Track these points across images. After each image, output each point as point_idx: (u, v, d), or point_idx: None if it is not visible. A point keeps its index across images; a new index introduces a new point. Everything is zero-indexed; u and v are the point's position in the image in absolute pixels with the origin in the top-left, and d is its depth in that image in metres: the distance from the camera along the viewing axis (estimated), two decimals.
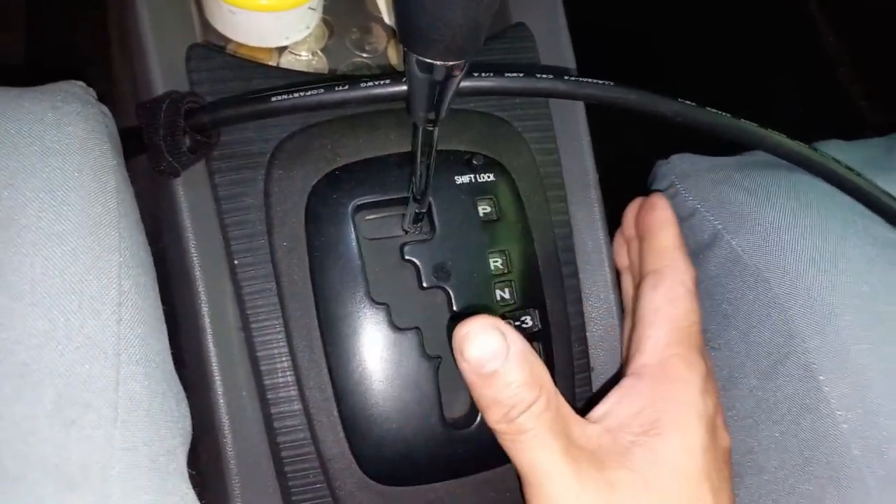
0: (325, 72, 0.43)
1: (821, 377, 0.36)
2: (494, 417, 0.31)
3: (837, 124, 0.96)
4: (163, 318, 0.34)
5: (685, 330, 0.35)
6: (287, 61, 0.42)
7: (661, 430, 0.32)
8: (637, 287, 0.38)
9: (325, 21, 0.43)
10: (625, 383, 0.35)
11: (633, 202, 0.41)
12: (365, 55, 0.44)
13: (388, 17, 0.44)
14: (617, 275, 0.42)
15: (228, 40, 0.41)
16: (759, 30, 0.99)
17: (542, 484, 0.31)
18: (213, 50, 0.39)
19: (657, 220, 0.39)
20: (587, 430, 0.33)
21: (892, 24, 0.92)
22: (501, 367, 0.30)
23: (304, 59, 0.43)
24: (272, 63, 0.41)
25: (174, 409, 0.32)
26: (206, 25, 0.40)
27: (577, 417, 0.33)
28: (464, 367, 0.31)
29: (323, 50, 0.43)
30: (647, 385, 0.34)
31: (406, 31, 0.26)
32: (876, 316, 0.37)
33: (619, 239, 0.41)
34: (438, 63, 0.26)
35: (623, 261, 0.41)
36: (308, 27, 0.42)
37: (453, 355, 0.31)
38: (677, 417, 0.33)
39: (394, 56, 0.44)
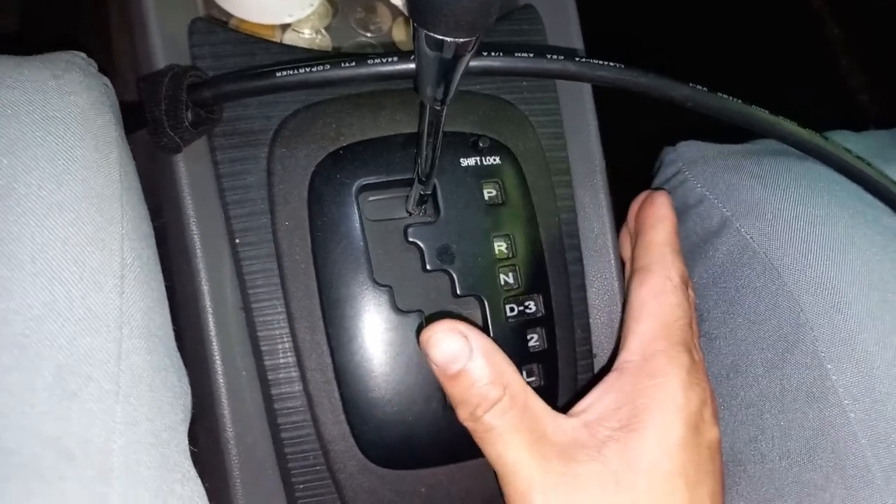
0: (329, 50, 0.42)
1: (828, 366, 0.36)
2: (463, 415, 0.32)
3: (839, 117, 0.96)
4: (164, 292, 0.33)
5: (670, 325, 0.35)
6: (290, 39, 0.42)
7: (638, 426, 0.32)
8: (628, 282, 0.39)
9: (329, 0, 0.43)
10: (608, 378, 0.35)
11: (638, 196, 0.41)
12: (369, 35, 0.43)
13: None
14: (622, 263, 0.41)
15: (230, 16, 0.40)
16: (761, 21, 0.99)
17: (509, 477, 0.32)
18: (215, 24, 0.38)
19: (653, 216, 0.39)
20: (562, 424, 0.33)
21: (895, 16, 0.91)
22: (465, 367, 0.32)
23: (308, 37, 0.42)
24: (275, 41, 0.41)
25: (176, 384, 0.32)
26: (208, 1, 0.40)
27: (551, 412, 0.33)
28: (433, 368, 0.32)
29: (327, 29, 0.43)
30: (628, 380, 0.34)
31: (416, 6, 0.25)
32: (885, 305, 0.36)
33: (625, 231, 0.41)
34: (449, 40, 0.26)
35: (626, 253, 0.41)
36: (311, 4, 0.41)
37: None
38: (655, 413, 0.33)
39: (398, 36, 0.44)
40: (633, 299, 0.37)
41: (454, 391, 0.32)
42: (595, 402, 0.34)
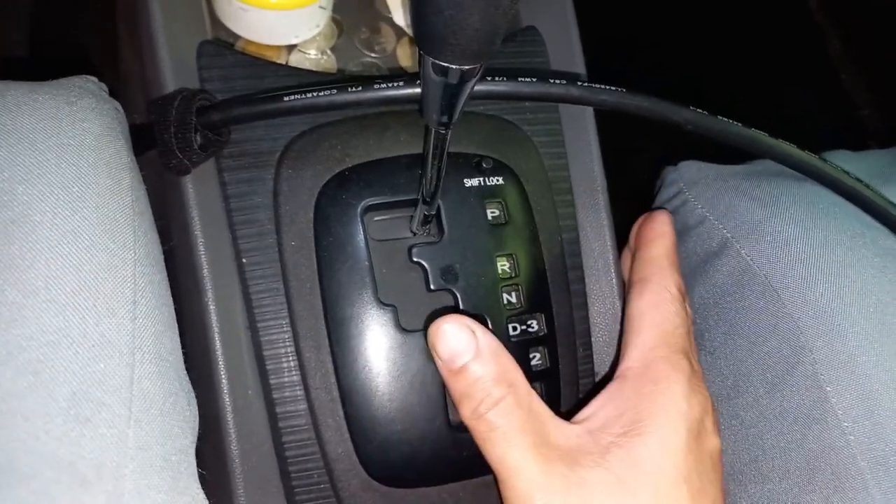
0: (334, 71, 0.43)
1: (828, 388, 0.36)
2: (466, 413, 0.32)
3: (840, 131, 0.96)
4: (174, 316, 0.33)
5: (669, 333, 0.35)
6: (296, 59, 0.42)
7: (641, 431, 0.32)
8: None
9: (334, 20, 0.43)
10: (609, 387, 0.35)
11: (640, 217, 0.41)
12: (374, 55, 0.44)
13: (397, 17, 0.44)
14: (623, 282, 0.42)
15: (237, 37, 0.41)
16: (763, 37, 0.99)
17: (510, 480, 0.31)
18: (223, 47, 0.39)
19: (652, 231, 0.39)
20: (566, 430, 0.33)
21: None
22: (470, 362, 0.32)
23: (314, 57, 0.43)
24: (281, 61, 0.41)
25: (185, 407, 0.32)
26: (216, 22, 0.40)
27: (555, 418, 0.33)
28: (438, 363, 0.33)
29: (332, 49, 0.43)
30: (630, 387, 0.34)
31: (422, 34, 0.26)
32: (884, 327, 0.37)
33: (626, 251, 0.42)
34: (454, 66, 0.26)
35: (627, 272, 0.41)
36: (318, 26, 0.42)
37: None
38: (658, 418, 0.33)
39: (403, 56, 0.44)
40: (631, 310, 0.37)
41: (457, 386, 0.32)
42: (597, 411, 0.34)
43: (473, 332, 0.32)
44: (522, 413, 0.32)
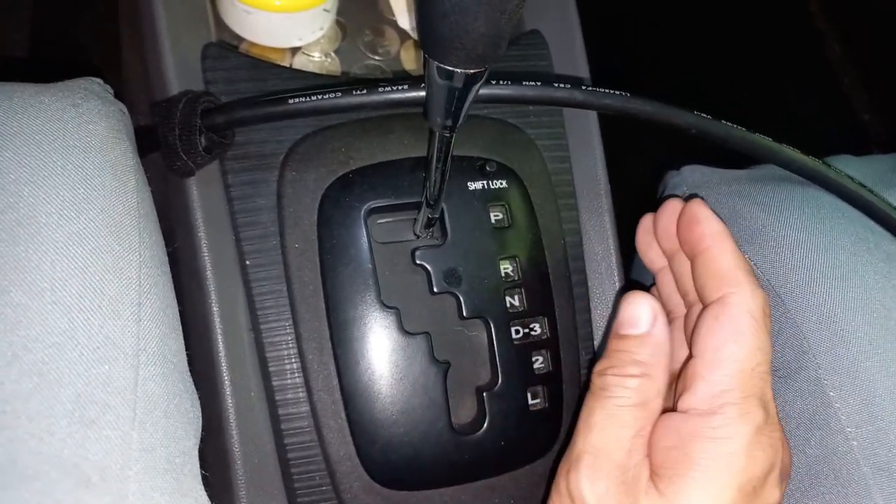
0: (338, 73, 0.43)
1: (831, 393, 0.36)
2: (598, 367, 0.34)
3: (841, 136, 0.96)
4: (178, 317, 0.33)
5: (746, 373, 0.31)
6: (300, 62, 0.42)
7: (686, 477, 0.31)
8: (692, 313, 0.36)
9: (338, 23, 0.43)
10: (671, 418, 0.32)
11: (663, 206, 0.37)
12: (377, 58, 0.44)
13: (401, 20, 0.44)
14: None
15: (241, 39, 0.41)
16: (763, 40, 0.99)
17: (578, 439, 0.33)
18: (228, 50, 0.39)
19: (707, 234, 0.34)
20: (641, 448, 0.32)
21: None
22: (634, 337, 0.33)
23: (317, 60, 0.43)
24: (284, 63, 0.41)
25: (189, 409, 0.32)
26: (220, 24, 0.40)
27: (647, 433, 0.33)
28: (617, 317, 0.34)
29: (336, 51, 0.43)
30: (692, 426, 0.31)
31: (427, 38, 0.26)
32: (888, 332, 0.37)
33: (645, 238, 0.38)
34: (459, 70, 0.26)
35: (653, 262, 0.39)
36: (321, 28, 0.42)
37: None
38: (709, 470, 0.30)
39: (406, 59, 0.44)
40: (706, 337, 0.32)
41: (611, 345, 0.33)
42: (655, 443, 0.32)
43: (657, 317, 0.33)
44: (636, 400, 0.32)
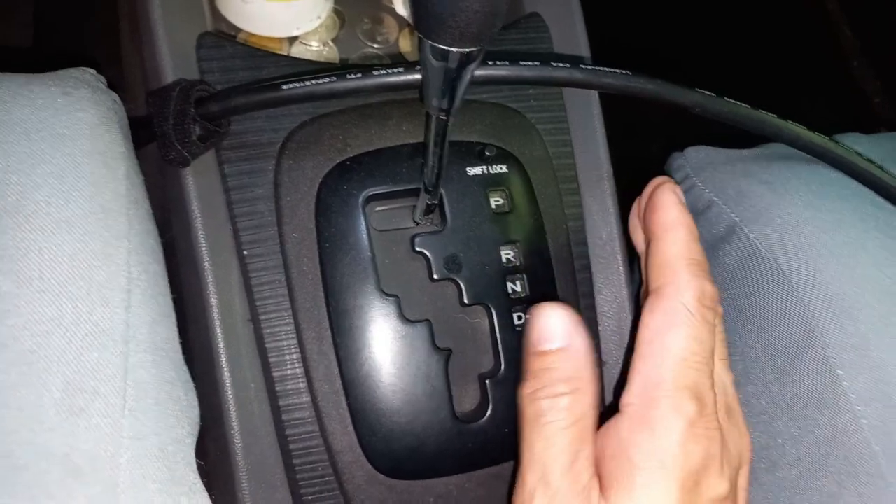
0: (336, 62, 0.42)
1: (840, 372, 0.35)
2: (525, 391, 0.32)
3: (851, 120, 0.95)
4: (171, 305, 0.33)
5: (679, 364, 0.31)
6: (298, 51, 0.42)
7: (630, 485, 0.30)
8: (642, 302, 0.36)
9: (336, 11, 0.43)
10: (609, 424, 0.32)
11: (647, 189, 0.36)
12: (376, 46, 0.43)
13: (399, 8, 0.44)
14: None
15: (239, 29, 0.41)
16: (774, 24, 0.98)
17: (526, 472, 0.31)
18: (223, 39, 0.38)
19: (661, 223, 0.34)
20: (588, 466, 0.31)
21: None
22: (554, 352, 0.31)
23: (315, 49, 0.42)
24: (282, 53, 0.41)
25: (182, 397, 0.32)
26: (217, 14, 0.40)
27: (591, 446, 0.31)
28: (525, 336, 0.32)
29: (334, 40, 0.43)
30: (626, 428, 0.31)
31: (421, 17, 0.25)
32: None
33: (633, 221, 0.38)
34: (454, 50, 0.26)
35: (639, 244, 0.38)
36: (319, 17, 0.41)
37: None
38: (651, 474, 0.30)
39: (405, 46, 0.44)
40: (641, 329, 0.32)
41: (532, 365, 0.32)
42: (599, 452, 0.32)
43: (572, 328, 0.31)
44: (572, 419, 0.31)
